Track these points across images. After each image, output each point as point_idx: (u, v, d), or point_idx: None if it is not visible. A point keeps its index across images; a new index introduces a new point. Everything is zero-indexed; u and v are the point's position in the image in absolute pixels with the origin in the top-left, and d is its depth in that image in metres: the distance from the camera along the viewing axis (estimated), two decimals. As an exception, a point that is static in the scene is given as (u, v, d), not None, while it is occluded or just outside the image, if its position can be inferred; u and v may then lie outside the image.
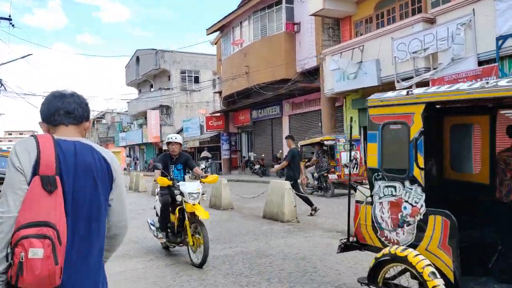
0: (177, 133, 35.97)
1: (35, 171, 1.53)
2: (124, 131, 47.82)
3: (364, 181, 12.01)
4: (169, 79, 37.80)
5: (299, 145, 14.20)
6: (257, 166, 22.68)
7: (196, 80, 38.10)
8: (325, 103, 17.48)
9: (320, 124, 19.76)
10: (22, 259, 1.41)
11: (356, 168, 12.74)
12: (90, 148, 1.72)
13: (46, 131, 1.75)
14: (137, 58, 41.46)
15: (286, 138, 9.96)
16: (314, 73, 18.86)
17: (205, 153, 28.48)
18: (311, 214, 8.99)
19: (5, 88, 23.84)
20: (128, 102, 45.77)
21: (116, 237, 1.86)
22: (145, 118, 42.43)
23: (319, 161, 13.08)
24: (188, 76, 38.04)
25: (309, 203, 9.07)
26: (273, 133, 23.67)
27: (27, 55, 22.56)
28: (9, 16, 24.16)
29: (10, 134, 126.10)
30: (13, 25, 24.38)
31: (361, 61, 14.15)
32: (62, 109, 1.74)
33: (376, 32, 13.87)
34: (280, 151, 22.00)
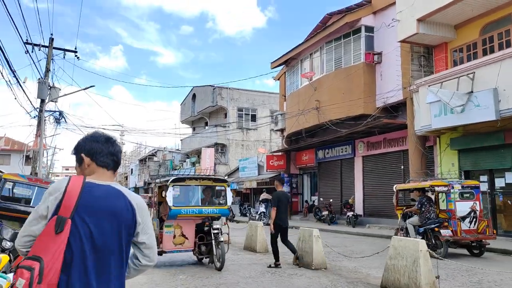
0: (232, 173, 34.39)
1: (56, 210, 1.73)
2: (175, 169, 46.94)
3: (484, 240, 10.16)
4: (225, 117, 36.73)
5: (394, 189, 12.10)
6: (325, 213, 20.16)
7: (253, 118, 36.77)
8: (414, 142, 15.03)
9: (402, 166, 17.21)
10: (14, 283, 1.66)
11: (475, 223, 10.26)
12: (120, 193, 1.88)
13: (87, 165, 1.91)
14: (194, 95, 41.06)
15: (275, 180, 9.22)
16: (398, 109, 16.60)
17: (264, 195, 26.34)
18: (296, 263, 8.52)
19: (65, 120, 23.37)
20: (181, 140, 45.18)
21: (138, 272, 2.02)
22: (199, 156, 41.43)
23: (424, 211, 10.45)
24: (245, 114, 36.82)
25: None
26: (342, 175, 21.27)
27: (90, 87, 22.09)
28: (75, 48, 24.13)
29: (67, 169, 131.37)
30: (78, 57, 24.31)
31: (472, 91, 11.76)
32: (112, 155, 1.95)
33: (495, 55, 11.48)
34: (353, 196, 19.49)
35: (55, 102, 22.94)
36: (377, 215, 18.26)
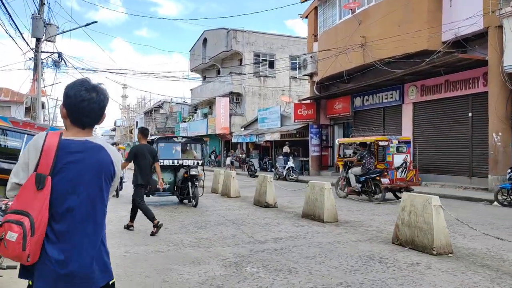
0: (249, 124, 31.66)
1: (36, 167, 1.82)
2: (185, 121, 44.30)
3: (410, 187, 11.87)
4: (241, 63, 33.49)
5: (337, 143, 14.89)
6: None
7: (271, 64, 33.52)
8: (498, 83, 12.13)
9: (470, 114, 14.41)
10: (3, 236, 1.75)
11: (404, 173, 12.16)
12: (99, 147, 1.96)
13: (64, 117, 1.96)
14: (204, 40, 37.56)
15: (139, 131, 7.71)
16: (471, 42, 13.57)
17: (286, 149, 23.81)
18: (153, 233, 7.10)
19: (65, 63, 20.41)
20: (191, 89, 42.16)
21: None
22: (210, 107, 38.60)
23: (365, 163, 11.94)
24: (262, 59, 33.53)
25: (151, 217, 7.18)
26: (385, 125, 18.51)
27: (92, 22, 18.92)
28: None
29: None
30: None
31: None
32: (86, 115, 1.94)
33: None
34: (401, 149, 16.78)
35: (53, 42, 19.84)
36: (435, 172, 15.67)
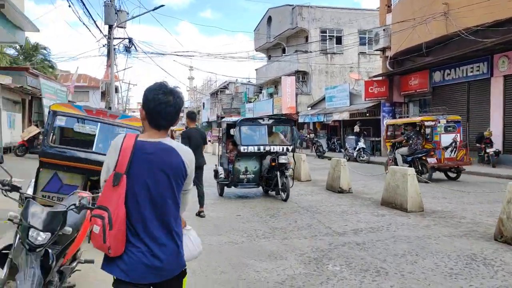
0: (316, 104, 30.79)
1: (115, 167, 1.98)
2: (250, 102, 44.28)
3: (461, 166, 12.09)
4: (306, 40, 32.42)
5: (385, 124, 14.86)
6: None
7: (338, 41, 32.12)
8: None
9: None
10: (91, 229, 1.97)
11: (454, 152, 12.12)
12: (171, 148, 2.05)
13: (143, 119, 2.09)
14: (269, 19, 36.84)
15: (187, 116, 7.71)
16: None
17: (357, 128, 22.76)
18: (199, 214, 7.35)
19: (135, 48, 20.91)
20: (256, 69, 41.85)
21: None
22: (276, 86, 38.09)
23: (412, 143, 12.16)
24: (329, 36, 32.21)
25: (202, 203, 7.42)
26: (470, 102, 16.87)
27: (160, 6, 19.07)
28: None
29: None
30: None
31: None
32: (165, 116, 2.05)
33: None
34: (488, 128, 15.21)
35: (124, 28, 20.37)
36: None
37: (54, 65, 31.41)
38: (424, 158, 11.89)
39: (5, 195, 3.05)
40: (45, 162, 5.41)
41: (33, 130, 15.58)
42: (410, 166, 11.73)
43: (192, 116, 7.63)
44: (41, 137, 11.75)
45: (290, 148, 9.39)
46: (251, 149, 9.05)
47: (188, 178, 2.14)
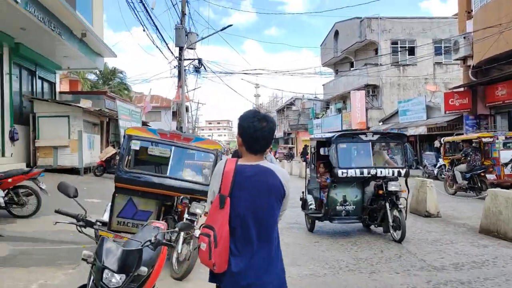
0: (388, 118, 29.34)
1: (219, 190, 2.14)
2: (318, 117, 43.51)
3: None
4: (376, 53, 31.22)
5: (442, 142, 15.65)
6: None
7: (411, 51, 30.54)
8: None
9: None
10: (199, 246, 2.13)
11: None
12: (269, 170, 2.17)
13: (239, 145, 2.24)
14: (336, 33, 36.14)
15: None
16: None
17: (437, 144, 21.14)
18: None
19: (205, 68, 21.31)
20: (323, 85, 41.13)
21: None
22: (344, 102, 37.08)
23: (470, 160, 12.16)
24: (400, 47, 30.76)
25: None
26: None
27: (228, 26, 19.34)
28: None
29: (210, 123, 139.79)
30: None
31: None
32: (261, 141, 2.19)
33: None
34: None
35: (194, 49, 20.86)
36: None
37: (129, 87, 33.15)
38: (483, 174, 11.94)
39: (79, 231, 2.82)
40: (120, 187, 5.30)
41: (110, 150, 16.23)
42: (469, 182, 12.19)
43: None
44: (117, 157, 12.08)
45: (403, 171, 7.19)
46: (351, 173, 7.03)
47: (286, 198, 2.24)
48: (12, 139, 14.17)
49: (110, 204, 5.48)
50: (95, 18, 18.08)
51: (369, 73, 30.40)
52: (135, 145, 5.38)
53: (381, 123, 29.61)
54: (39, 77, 16.97)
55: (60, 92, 19.38)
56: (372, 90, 31.72)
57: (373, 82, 30.84)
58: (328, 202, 7.24)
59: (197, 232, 5.20)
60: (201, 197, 5.33)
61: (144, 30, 14.82)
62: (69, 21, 13.70)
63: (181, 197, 5.56)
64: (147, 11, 14.71)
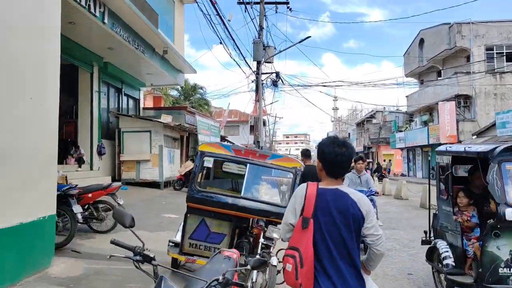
0: (483, 131, 26.66)
1: (302, 212, 2.26)
2: (401, 131, 41.12)
3: None
4: (468, 60, 28.72)
5: None
6: None
7: (510, 58, 27.61)
8: None
9: None
10: (285, 267, 2.25)
11: None
12: (346, 195, 2.27)
13: (320, 170, 2.36)
14: (421, 41, 34.01)
15: (302, 154, 7.87)
16: None
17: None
18: None
19: (282, 82, 21.00)
20: (407, 96, 38.84)
21: (374, 254, 2.36)
22: (430, 113, 34.56)
23: None
24: (496, 52, 27.98)
25: None
26: None
27: (306, 38, 18.88)
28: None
29: (287, 137, 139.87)
30: (290, 9, 21.49)
31: None
32: (339, 167, 2.31)
33: None
34: None
35: (271, 62, 20.66)
36: None
37: (209, 102, 34.02)
38: None
39: (137, 267, 2.42)
40: (193, 207, 4.96)
41: (189, 165, 16.44)
42: None
43: (306, 153, 7.82)
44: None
45: None
46: None
47: (366, 222, 2.26)
48: (100, 153, 14.91)
49: (182, 224, 5.18)
50: (176, 36, 18.68)
51: (459, 82, 27.99)
52: (208, 162, 5.03)
53: (475, 136, 26.94)
54: (125, 94, 17.84)
55: (144, 108, 20.24)
56: (463, 101, 29.14)
57: (465, 92, 28.33)
58: (484, 259, 4.23)
59: (273, 260, 4.68)
60: (278, 220, 4.82)
61: (220, 42, 14.91)
62: (151, 40, 14.17)
63: (257, 219, 5.09)
64: (224, 24, 14.74)
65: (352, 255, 2.21)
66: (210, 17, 29.06)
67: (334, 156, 2.26)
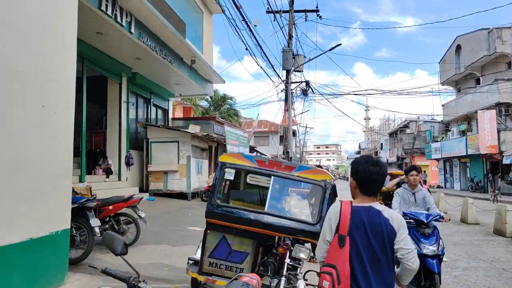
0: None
1: (337, 230, 2.28)
2: (436, 141, 39.57)
3: None
4: (509, 67, 27.33)
5: None
6: None
7: (555, 62, 26.06)
8: None
9: None
10: (321, 284, 2.26)
11: None
12: (378, 212, 2.30)
13: (353, 187, 2.40)
14: (458, 47, 32.74)
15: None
16: None
17: None
18: None
19: (312, 91, 20.50)
20: (443, 105, 37.41)
21: (405, 269, 2.32)
22: (468, 123, 33.06)
23: None
24: (541, 58, 26.48)
25: None
26: None
27: (336, 46, 18.34)
28: (316, 7, 20.89)
29: (318, 147, 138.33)
30: (320, 17, 21.06)
31: None
32: (375, 184, 2.36)
33: None
34: None
35: (301, 71, 20.24)
36: None
37: (239, 113, 33.85)
38: None
39: (130, 303, 2.04)
40: (212, 223, 4.56)
41: (217, 175, 16.18)
42: None
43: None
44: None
45: None
46: None
47: (397, 236, 2.27)
48: (128, 163, 14.85)
49: (201, 241, 4.79)
50: (205, 46, 18.59)
51: (500, 90, 26.60)
52: (230, 174, 4.63)
53: (516, 147, 25.48)
54: (153, 104, 17.83)
55: (173, 119, 20.20)
56: (504, 109, 27.66)
57: (506, 99, 26.91)
58: None
59: (300, 284, 4.22)
60: (305, 238, 4.36)
61: (246, 49, 14.47)
62: (179, 49, 14.07)
63: (283, 237, 4.64)
64: (250, 29, 14.44)
65: (385, 274, 2.25)
66: (236, 23, 28.95)
67: (369, 175, 2.32)
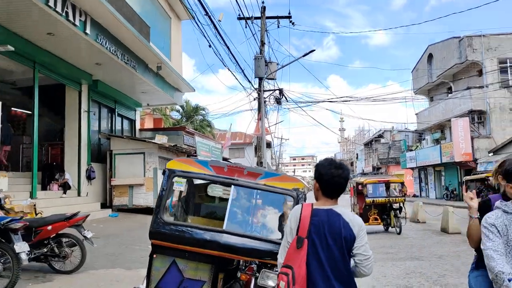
0: (501, 148, 25.18)
1: (297, 232, 2.30)
2: (411, 150, 39.65)
3: None
4: (480, 75, 27.51)
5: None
6: None
7: (524, 70, 26.37)
8: None
9: None
10: (278, 284, 2.28)
11: None
12: (338, 216, 2.30)
13: (316, 190, 2.41)
14: (429, 56, 32.96)
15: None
16: None
17: None
18: None
19: (286, 99, 19.86)
20: (417, 114, 37.56)
21: (359, 274, 2.36)
22: (442, 131, 33.17)
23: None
24: (510, 66, 26.77)
25: None
26: None
27: (311, 51, 17.79)
28: (289, 13, 20.39)
29: (294, 159, 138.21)
30: (292, 23, 20.55)
31: None
32: (337, 186, 2.36)
33: None
34: None
35: (274, 79, 19.58)
36: None
37: (212, 124, 32.93)
38: None
39: None
40: (158, 245, 3.68)
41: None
42: None
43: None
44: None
45: None
46: None
47: (357, 241, 2.27)
48: (89, 177, 13.73)
49: (146, 271, 3.87)
50: (173, 53, 17.74)
51: (472, 97, 26.71)
52: (180, 184, 3.78)
53: (492, 154, 25.48)
54: (119, 115, 16.77)
55: (141, 130, 19.15)
56: (477, 117, 27.77)
57: (478, 107, 27.05)
58: None
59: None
60: (274, 262, 3.52)
61: (209, 46, 13.48)
62: (143, 54, 13.18)
63: (247, 260, 3.80)
64: (215, 26, 13.64)
65: (346, 276, 2.26)
66: (204, 28, 28.23)
67: (331, 177, 2.33)
